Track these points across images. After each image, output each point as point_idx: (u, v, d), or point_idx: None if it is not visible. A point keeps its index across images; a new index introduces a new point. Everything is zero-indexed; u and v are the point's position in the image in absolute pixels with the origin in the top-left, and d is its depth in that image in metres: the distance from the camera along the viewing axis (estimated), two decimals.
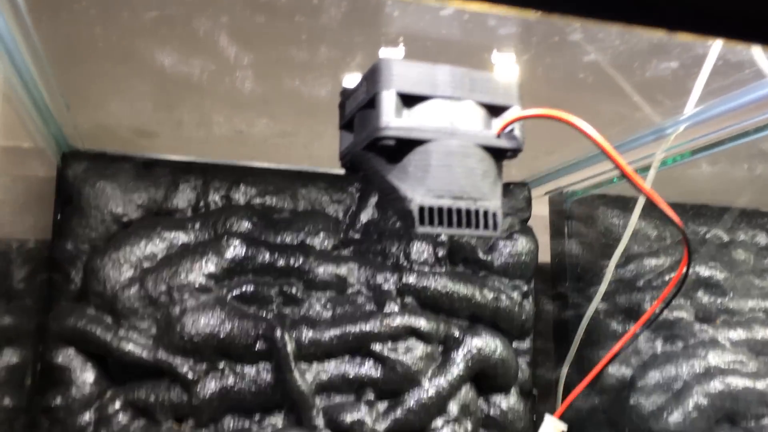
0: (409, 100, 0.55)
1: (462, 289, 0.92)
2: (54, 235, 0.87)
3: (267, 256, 0.86)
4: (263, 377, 0.83)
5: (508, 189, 1.03)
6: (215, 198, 0.90)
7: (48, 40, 0.61)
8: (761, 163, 1.02)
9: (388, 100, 0.54)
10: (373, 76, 0.55)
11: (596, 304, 0.94)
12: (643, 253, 1.05)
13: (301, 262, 0.87)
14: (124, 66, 0.75)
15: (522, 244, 0.99)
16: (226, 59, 0.78)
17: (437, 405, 0.87)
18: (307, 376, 0.83)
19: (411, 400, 0.86)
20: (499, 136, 0.55)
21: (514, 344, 0.99)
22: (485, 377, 0.92)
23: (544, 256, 1.10)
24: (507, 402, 0.94)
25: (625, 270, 1.04)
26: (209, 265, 0.84)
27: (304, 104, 0.87)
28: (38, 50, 0.61)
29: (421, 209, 0.53)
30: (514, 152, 0.56)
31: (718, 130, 0.78)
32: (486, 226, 0.54)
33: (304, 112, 0.89)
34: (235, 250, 0.85)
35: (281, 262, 0.86)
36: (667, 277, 1.03)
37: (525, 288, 0.99)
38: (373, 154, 0.56)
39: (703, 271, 1.05)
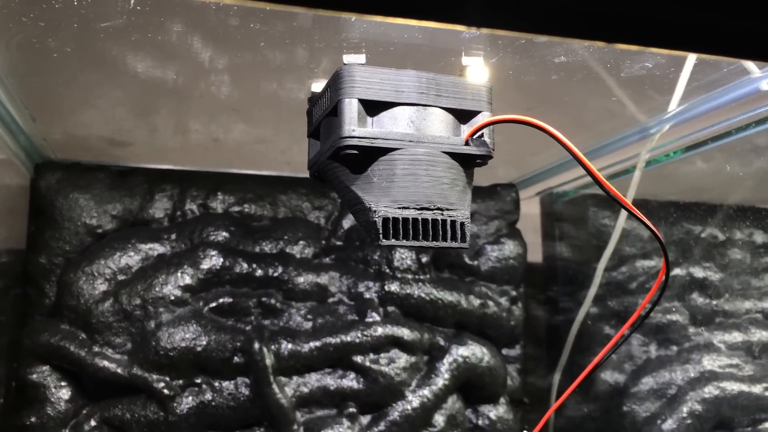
0: (373, 108, 0.52)
1: (447, 296, 0.89)
2: (28, 249, 0.85)
3: (245, 266, 0.84)
4: (242, 392, 0.81)
5: (495, 191, 1.00)
6: (192, 207, 0.88)
7: (6, 50, 0.59)
8: (756, 159, 0.99)
9: (349, 109, 0.51)
10: (335, 84, 0.53)
11: (586, 308, 0.92)
12: (636, 254, 1.03)
13: (280, 271, 0.85)
14: (94, 73, 0.73)
15: (510, 248, 0.96)
16: (201, 63, 0.76)
17: (422, 417, 0.84)
18: (287, 389, 0.81)
19: (394, 412, 0.83)
20: (467, 142, 0.53)
21: (504, 351, 0.96)
22: (472, 387, 0.90)
23: (537, 259, 1.07)
24: (496, 412, 0.92)
25: (617, 272, 1.01)
26: (185, 277, 0.81)
27: (282, 108, 0.84)
28: None
29: (385, 221, 0.50)
30: (484, 159, 0.54)
31: (706, 127, 0.75)
32: (454, 237, 0.52)
33: (282, 117, 0.87)
34: (211, 260, 0.83)
35: (259, 272, 0.84)
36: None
37: (514, 293, 0.97)
38: (338, 163, 0.54)
39: (697, 272, 1.02)
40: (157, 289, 0.80)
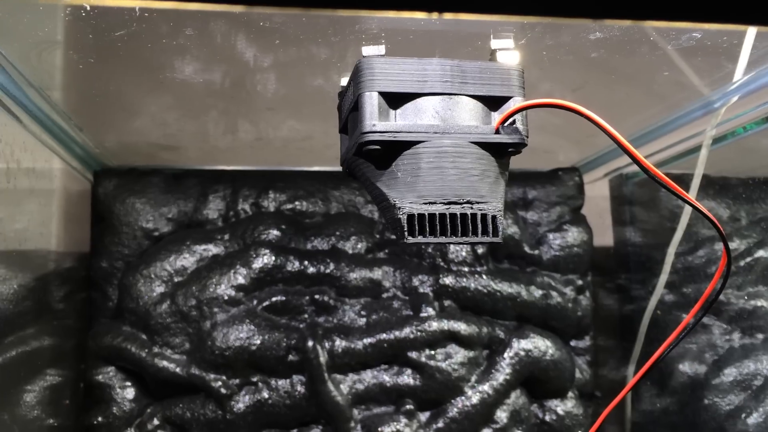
0: (395, 100, 0.50)
1: (506, 287, 0.86)
2: (91, 254, 0.88)
3: (297, 263, 0.83)
4: (298, 390, 0.80)
5: (556, 176, 0.95)
6: (245, 206, 0.88)
7: (42, 61, 0.60)
8: None
9: (369, 103, 0.49)
10: (355, 78, 0.51)
11: (658, 295, 0.86)
12: (714, 236, 0.95)
13: (332, 268, 0.84)
14: (143, 80, 0.74)
15: (573, 235, 0.92)
16: (246, 62, 0.76)
17: (483, 413, 0.82)
18: (343, 387, 0.80)
19: (453, 409, 0.81)
20: (498, 130, 0.50)
21: (572, 343, 0.92)
22: (537, 381, 0.86)
23: (605, 245, 1.02)
24: (564, 406, 0.88)
25: (693, 256, 0.94)
26: (238, 277, 0.82)
27: (329, 103, 0.83)
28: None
29: (410, 218, 0.48)
30: (517, 147, 0.50)
31: None
32: (485, 232, 0.49)
33: (329, 112, 0.86)
34: (263, 259, 0.83)
35: (312, 270, 0.83)
36: (742, 263, 0.92)
37: (580, 282, 0.92)
38: (363, 159, 0.52)
39: None
40: (211, 289, 0.81)
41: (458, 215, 0.48)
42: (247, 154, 0.92)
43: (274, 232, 0.85)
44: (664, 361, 0.94)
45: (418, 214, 0.48)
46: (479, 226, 0.49)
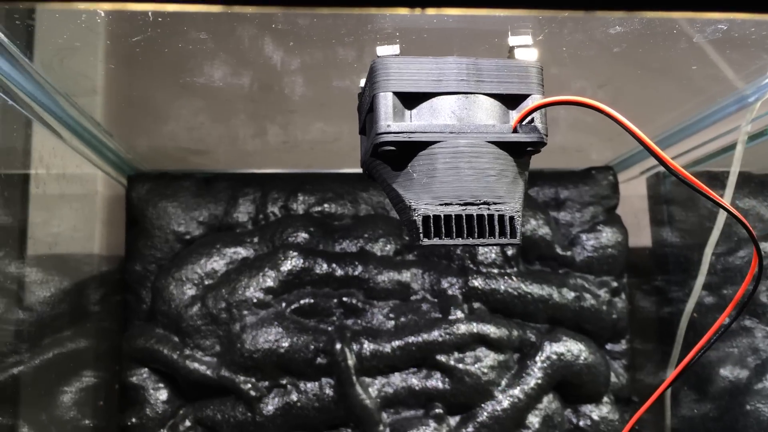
0: (411, 100, 0.49)
1: (536, 289, 0.84)
2: (126, 257, 0.90)
3: (325, 266, 0.83)
4: (326, 393, 0.80)
5: (589, 175, 0.93)
6: (274, 209, 0.89)
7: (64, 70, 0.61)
8: None
9: (384, 103, 0.49)
10: (370, 78, 0.50)
11: (696, 297, 0.84)
12: (757, 236, 0.92)
13: (360, 270, 0.83)
14: (170, 85, 0.76)
15: (607, 235, 0.89)
16: (273, 66, 0.76)
17: (514, 418, 0.80)
18: (371, 390, 0.80)
19: (483, 413, 0.80)
20: (516, 129, 0.49)
21: (607, 347, 0.90)
22: (570, 386, 0.84)
23: (643, 246, 0.99)
24: (599, 412, 0.86)
25: (734, 257, 0.91)
26: (266, 280, 0.82)
27: (356, 104, 0.83)
28: None
29: (426, 219, 0.47)
30: (536, 146, 0.49)
31: None
32: (503, 233, 0.48)
33: (356, 114, 0.86)
34: (291, 262, 0.83)
35: (340, 272, 0.83)
36: None
37: (615, 284, 0.90)
38: (380, 161, 0.51)
39: None
40: (240, 292, 0.82)
41: (475, 216, 0.48)
42: (276, 157, 0.92)
43: (303, 235, 0.85)
44: (703, 366, 0.91)
45: (434, 216, 0.47)
46: (496, 227, 0.48)
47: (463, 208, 0.48)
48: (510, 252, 0.86)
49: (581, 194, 0.92)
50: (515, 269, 0.86)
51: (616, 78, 0.60)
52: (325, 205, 0.89)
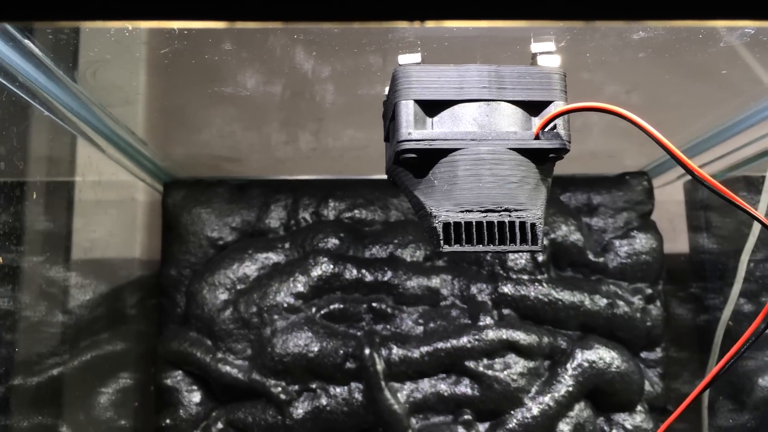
0: (432, 108, 0.50)
1: (567, 296, 0.83)
2: (162, 262, 0.92)
3: (354, 271, 0.84)
4: (355, 397, 0.81)
5: (623, 180, 0.92)
6: (305, 215, 0.90)
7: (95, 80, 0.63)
8: None
9: (405, 111, 0.49)
10: (392, 86, 0.51)
11: (732, 305, 0.82)
12: None
13: (389, 276, 0.84)
14: (206, 96, 0.77)
15: (641, 242, 0.88)
16: (304, 74, 0.77)
17: (544, 426, 0.80)
18: (400, 395, 0.80)
19: (512, 420, 0.79)
20: (537, 136, 0.49)
21: (642, 355, 0.88)
22: (603, 394, 0.83)
23: (679, 252, 0.97)
24: (632, 420, 0.84)
25: None
26: (297, 285, 0.83)
27: None
28: None
29: (446, 226, 0.48)
30: (558, 152, 0.49)
31: None
32: (524, 240, 0.48)
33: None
34: (321, 267, 0.84)
35: (369, 278, 0.84)
36: None
37: (649, 291, 0.88)
38: (402, 168, 0.52)
39: None
40: (271, 297, 0.83)
41: (495, 223, 0.48)
42: (307, 163, 0.93)
43: (333, 241, 0.86)
44: (740, 376, 0.89)
45: (454, 223, 0.48)
46: (517, 234, 0.48)
47: (484, 215, 0.48)
48: (540, 258, 0.85)
49: (614, 200, 0.91)
50: (546, 276, 0.85)
51: (643, 83, 0.60)
52: (356, 211, 0.90)
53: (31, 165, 0.66)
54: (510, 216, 0.48)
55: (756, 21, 0.34)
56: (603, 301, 0.84)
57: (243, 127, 0.88)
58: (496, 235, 0.47)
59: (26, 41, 0.53)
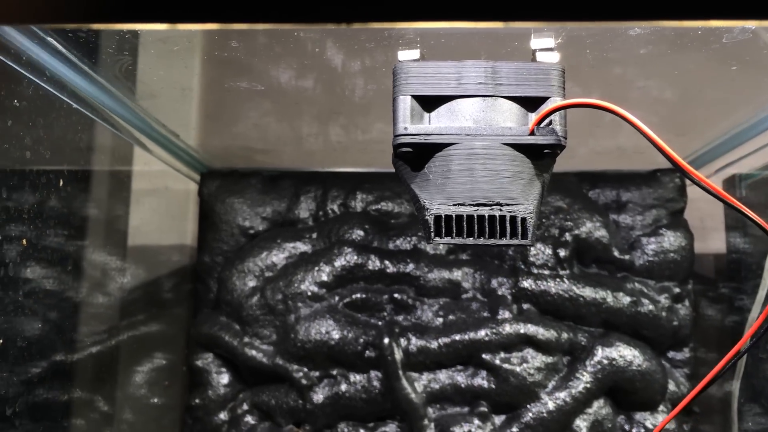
0: (429, 103, 0.51)
1: (589, 292, 0.83)
2: (198, 249, 0.96)
3: (377, 262, 0.86)
4: (374, 385, 0.83)
5: (654, 177, 0.91)
6: (333, 207, 0.92)
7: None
8: None
9: (402, 106, 0.51)
10: (393, 82, 0.52)
11: (759, 306, 0.80)
12: None
13: (411, 267, 0.85)
14: (244, 90, 0.80)
15: (670, 239, 0.87)
16: (334, 68, 0.80)
17: (560, 421, 0.80)
18: (417, 385, 0.82)
19: (528, 414, 0.80)
20: (533, 132, 0.49)
21: (669, 355, 0.87)
22: (622, 392, 0.82)
23: (712, 251, 0.95)
24: (654, 420, 0.83)
25: None
26: (321, 274, 0.86)
27: None
28: None
29: (437, 219, 0.49)
30: (553, 148, 0.50)
31: None
32: (514, 234, 0.49)
33: None
34: (345, 258, 0.86)
35: (392, 269, 0.86)
36: None
37: (677, 290, 0.87)
38: (401, 162, 0.53)
39: None
40: (296, 285, 0.86)
41: (486, 217, 0.49)
42: (337, 156, 0.96)
43: (358, 232, 0.88)
44: (767, 379, 0.87)
45: (445, 215, 0.49)
46: (508, 227, 0.49)
47: (475, 208, 0.49)
48: (563, 254, 0.85)
49: (644, 197, 0.89)
50: (568, 271, 0.85)
51: (651, 80, 0.59)
52: (383, 204, 0.92)
53: (95, 158, 0.72)
54: (501, 210, 0.49)
55: None
56: (626, 299, 0.83)
57: (275, 120, 0.91)
58: (486, 229, 0.48)
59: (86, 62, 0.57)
